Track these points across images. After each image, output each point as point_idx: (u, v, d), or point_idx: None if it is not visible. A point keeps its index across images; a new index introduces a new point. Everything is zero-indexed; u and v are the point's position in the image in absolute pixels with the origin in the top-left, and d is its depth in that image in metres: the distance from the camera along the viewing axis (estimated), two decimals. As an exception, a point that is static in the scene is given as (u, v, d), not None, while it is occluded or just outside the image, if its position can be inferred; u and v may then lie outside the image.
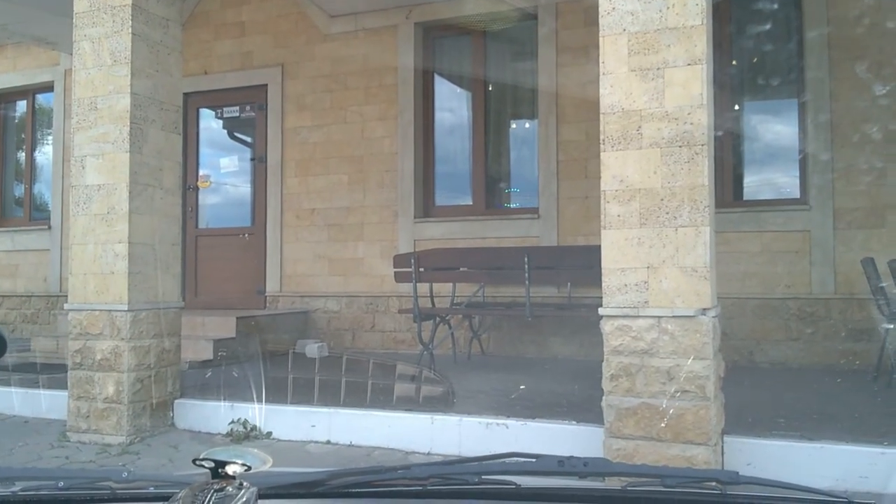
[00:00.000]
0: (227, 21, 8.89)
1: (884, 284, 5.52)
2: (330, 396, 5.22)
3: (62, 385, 5.45)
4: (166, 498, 1.17)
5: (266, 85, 8.69)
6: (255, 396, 5.18)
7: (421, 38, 8.13)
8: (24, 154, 10.60)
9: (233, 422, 5.17)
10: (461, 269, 7.03)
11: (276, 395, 5.31)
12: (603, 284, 3.95)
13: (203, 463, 1.23)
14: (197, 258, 8.99)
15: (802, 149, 6.79)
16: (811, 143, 6.63)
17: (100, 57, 5.24)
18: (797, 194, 6.83)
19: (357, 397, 5.17)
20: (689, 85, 3.79)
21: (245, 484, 1.17)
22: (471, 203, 8.03)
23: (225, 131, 9.32)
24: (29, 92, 10.34)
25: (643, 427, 3.80)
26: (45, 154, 10.37)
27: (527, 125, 8.13)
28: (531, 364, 6.90)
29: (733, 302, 6.37)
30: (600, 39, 3.98)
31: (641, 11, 3.88)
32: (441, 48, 8.30)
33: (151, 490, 1.29)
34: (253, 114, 8.90)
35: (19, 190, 10.71)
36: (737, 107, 7.22)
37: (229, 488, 1.15)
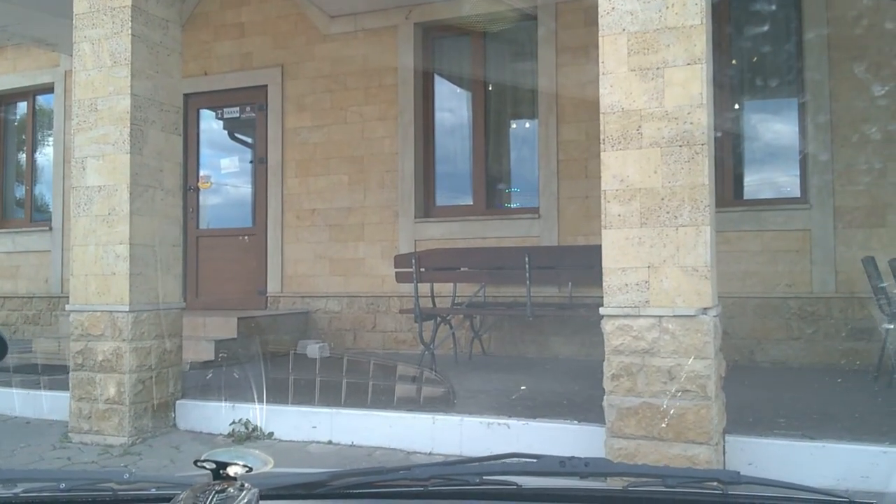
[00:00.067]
0: (227, 22, 8.89)
1: (885, 284, 5.52)
2: (331, 397, 5.22)
3: (64, 386, 5.46)
4: (168, 499, 1.17)
5: (266, 86, 8.70)
6: (256, 397, 5.18)
7: (421, 39, 8.13)
8: (24, 155, 10.60)
9: (234, 422, 5.17)
10: (462, 269, 7.03)
11: (278, 395, 5.32)
12: (604, 284, 3.95)
13: (204, 464, 1.23)
14: (198, 259, 9.00)
15: (802, 148, 6.79)
16: (811, 143, 6.64)
17: (100, 58, 5.24)
18: (797, 193, 6.83)
19: (358, 398, 5.17)
20: (688, 84, 3.79)
21: (246, 485, 1.17)
22: (471, 203, 8.03)
23: (225, 132, 9.32)
24: (29, 93, 10.35)
25: (644, 427, 3.80)
26: (46, 155, 10.37)
27: (527, 125, 8.13)
28: (532, 364, 6.90)
29: (734, 301, 6.37)
30: (600, 39, 3.98)
31: (641, 11, 3.88)
32: (441, 48, 8.30)
33: (153, 491, 1.29)
34: (253, 114, 8.90)
35: (20, 191, 10.71)
36: (737, 106, 7.22)
37: (231, 489, 1.15)
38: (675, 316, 3.77)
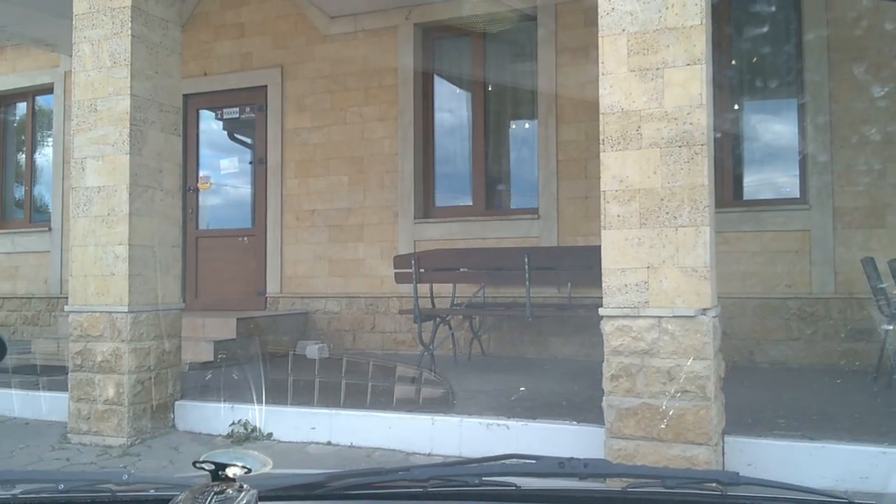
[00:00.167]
0: (227, 22, 8.89)
1: (884, 285, 5.52)
2: (330, 398, 5.22)
3: (63, 387, 5.45)
4: (167, 500, 1.17)
5: (266, 86, 8.70)
6: (255, 398, 5.18)
7: (420, 39, 8.13)
8: (24, 156, 10.60)
9: (233, 423, 5.17)
10: (461, 269, 7.03)
11: (277, 396, 5.31)
12: (603, 285, 3.95)
13: (203, 465, 1.23)
14: (197, 259, 8.99)
15: (802, 149, 6.80)
16: (810, 143, 6.64)
17: (99, 59, 5.24)
18: (797, 194, 6.83)
19: (357, 398, 5.17)
20: (688, 85, 3.79)
21: (245, 486, 1.17)
22: (471, 204, 8.03)
23: (225, 132, 9.32)
24: (29, 94, 10.34)
25: (644, 427, 3.80)
26: (45, 156, 10.37)
27: (526, 125, 8.13)
28: (531, 364, 6.90)
29: (733, 302, 6.37)
30: (599, 40, 3.98)
31: (640, 12, 3.89)
32: (441, 49, 8.30)
33: (152, 492, 1.29)
34: (253, 115, 8.90)
35: (19, 192, 10.71)
36: (736, 107, 7.23)
37: (229, 490, 1.15)
38: (674, 316, 3.77)
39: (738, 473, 1.23)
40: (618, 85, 3.93)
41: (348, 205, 8.25)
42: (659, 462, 3.72)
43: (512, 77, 8.01)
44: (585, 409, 4.62)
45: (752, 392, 5.23)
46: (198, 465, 1.24)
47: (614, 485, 1.31)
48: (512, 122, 8.21)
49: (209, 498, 1.11)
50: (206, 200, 9.19)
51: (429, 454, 4.65)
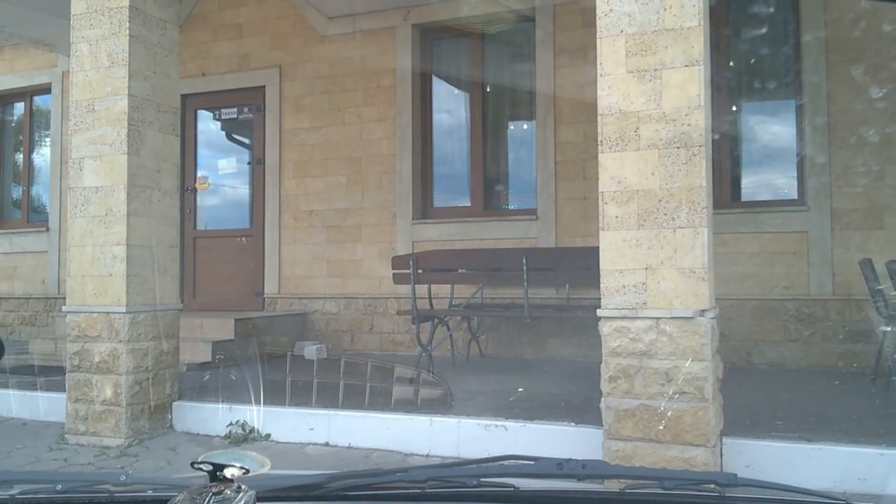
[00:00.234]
0: (225, 23, 8.89)
1: (882, 286, 5.52)
2: (328, 398, 5.22)
3: (60, 387, 5.45)
4: (164, 501, 1.17)
5: (264, 86, 8.69)
6: (253, 398, 5.18)
7: (419, 40, 8.13)
8: (21, 156, 10.59)
9: (231, 424, 5.17)
10: (459, 270, 7.03)
11: (275, 397, 5.31)
12: (601, 286, 3.95)
13: (201, 466, 1.23)
14: (195, 260, 8.99)
15: (800, 150, 6.80)
16: (808, 145, 6.64)
17: (97, 59, 5.24)
18: (795, 195, 6.84)
19: (356, 399, 5.17)
20: (686, 86, 3.79)
21: (243, 487, 1.17)
22: (469, 204, 8.03)
23: (223, 133, 9.31)
24: (27, 94, 10.33)
25: (642, 428, 3.81)
26: (43, 156, 10.36)
27: (525, 126, 8.13)
28: (529, 365, 6.90)
29: (731, 303, 6.37)
30: (598, 41, 3.99)
31: (639, 13, 3.89)
32: (439, 50, 8.31)
33: (149, 493, 1.29)
34: (251, 115, 8.90)
35: (17, 192, 10.70)
36: (734, 108, 7.23)
37: (227, 491, 1.15)
38: (672, 318, 3.77)
39: (736, 475, 1.23)
40: (616, 86, 3.93)
41: (346, 205, 8.25)
42: (657, 463, 3.72)
43: (510, 78, 8.01)
44: (583, 410, 4.62)
45: (750, 393, 5.23)
46: (196, 465, 1.24)
47: (612, 486, 1.31)
48: (510, 122, 8.21)
49: (207, 499, 1.11)
50: (204, 201, 9.19)
51: (427, 455, 4.65)
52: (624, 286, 3.88)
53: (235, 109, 8.99)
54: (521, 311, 6.18)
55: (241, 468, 1.23)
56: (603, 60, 3.97)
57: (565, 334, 7.16)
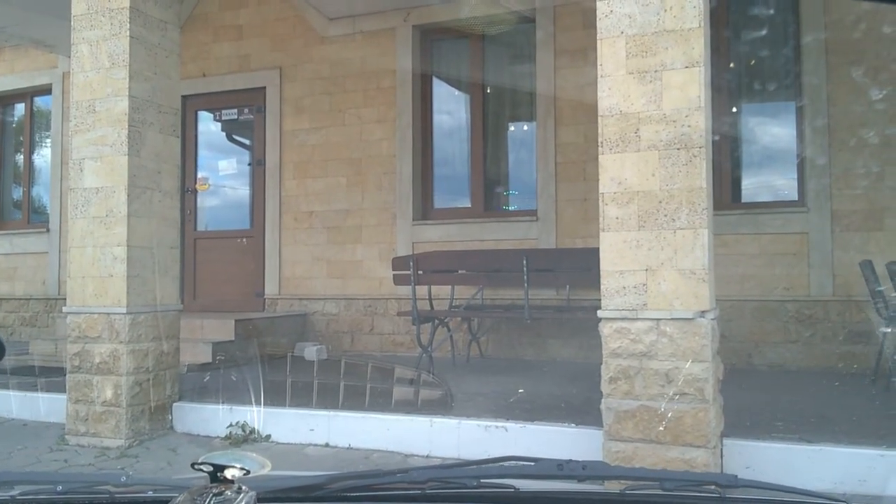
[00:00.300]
0: (226, 24, 8.89)
1: (882, 288, 5.52)
2: (329, 399, 5.22)
3: (61, 388, 5.45)
4: (165, 502, 1.17)
5: (264, 87, 8.70)
6: (253, 399, 5.18)
7: (419, 41, 8.14)
8: (22, 157, 10.60)
9: (231, 425, 5.17)
10: (460, 271, 7.03)
11: (275, 398, 5.31)
12: (601, 287, 3.96)
13: (202, 467, 1.23)
14: (195, 261, 8.99)
15: (800, 152, 6.80)
16: (809, 146, 6.65)
17: (98, 60, 5.24)
18: (795, 196, 6.84)
19: (356, 400, 5.17)
20: (686, 87, 3.79)
21: (244, 488, 1.17)
22: (469, 205, 8.03)
23: (223, 134, 9.32)
24: (27, 94, 10.34)
25: (642, 429, 3.80)
26: (44, 157, 10.36)
27: (525, 128, 8.13)
28: (530, 366, 6.90)
29: (732, 304, 6.37)
30: (598, 42, 3.99)
31: (639, 14, 3.89)
32: (439, 51, 8.31)
33: (150, 494, 1.29)
34: (251, 116, 8.90)
35: (18, 193, 10.70)
36: (734, 110, 7.23)
37: (228, 492, 1.15)
38: (672, 319, 3.78)
39: (736, 476, 1.23)
40: (616, 87, 3.93)
41: (346, 206, 8.25)
42: (657, 464, 3.72)
43: (510, 79, 8.01)
44: (584, 411, 4.62)
45: (750, 394, 5.23)
46: (196, 466, 1.24)
47: (613, 487, 1.31)
48: (510, 124, 8.21)
49: (208, 500, 1.11)
50: (205, 202, 9.19)
51: (427, 456, 4.65)
52: (624, 287, 3.88)
53: (236, 110, 9.00)
54: (521, 312, 6.19)
55: (242, 469, 1.23)
56: (603, 62, 3.97)
57: (565, 335, 7.16)
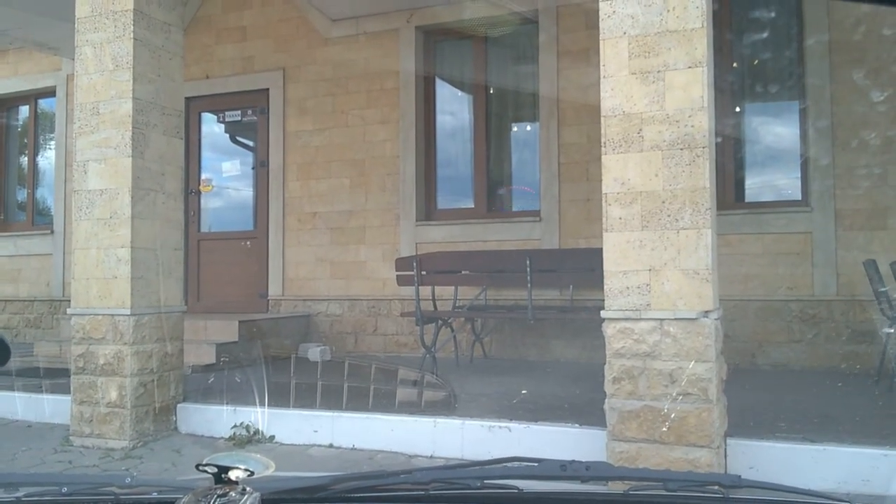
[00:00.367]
0: (229, 25, 8.91)
1: (885, 288, 5.51)
2: (332, 400, 5.22)
3: (65, 390, 5.46)
4: (170, 503, 1.17)
5: (268, 89, 8.71)
6: (257, 400, 5.18)
7: (422, 43, 8.14)
8: (26, 159, 10.62)
9: (235, 426, 5.17)
10: (463, 272, 7.03)
11: (279, 399, 5.32)
12: (605, 287, 3.95)
13: (206, 468, 1.23)
14: (199, 262, 9.00)
15: (803, 151, 6.80)
16: (812, 146, 6.64)
17: (102, 62, 5.25)
18: (798, 196, 6.83)
19: (360, 401, 5.17)
20: (689, 88, 3.79)
21: (248, 489, 1.18)
22: (472, 206, 8.04)
23: (227, 135, 9.33)
24: (31, 97, 10.36)
25: (646, 430, 3.80)
26: (48, 159, 10.39)
27: (528, 128, 8.13)
28: (533, 367, 6.90)
29: (735, 304, 6.37)
30: (601, 43, 3.99)
31: (642, 15, 3.89)
32: (442, 52, 8.31)
33: (154, 495, 1.30)
34: (255, 118, 8.91)
35: (22, 195, 10.73)
36: (738, 110, 7.23)
37: (232, 493, 1.15)
38: (676, 319, 3.77)
39: (740, 476, 1.23)
40: (619, 88, 3.93)
41: (350, 207, 8.26)
42: (661, 464, 3.72)
43: (513, 80, 8.02)
44: (587, 411, 4.62)
45: (753, 394, 5.23)
46: (200, 467, 1.24)
47: (616, 488, 1.31)
48: (513, 124, 8.22)
49: (212, 501, 1.11)
50: (208, 203, 9.20)
51: (431, 457, 4.65)
52: (628, 287, 3.88)
53: (239, 112, 9.01)
54: (524, 312, 6.18)
55: (246, 470, 1.23)
56: (606, 62, 3.97)
57: (569, 336, 7.16)
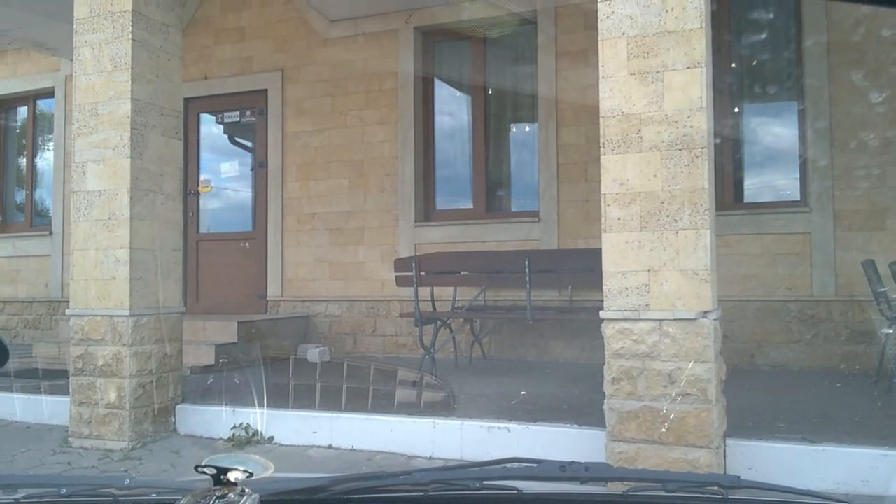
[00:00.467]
0: (227, 26, 8.91)
1: (884, 288, 5.51)
2: (332, 401, 5.22)
3: (64, 391, 5.46)
4: (169, 505, 1.17)
5: (266, 90, 8.71)
6: (256, 401, 5.18)
7: (421, 43, 8.14)
8: (25, 160, 10.61)
9: (234, 427, 5.17)
10: (462, 272, 7.04)
11: (278, 400, 5.31)
12: (604, 288, 3.95)
13: (205, 469, 1.23)
14: (198, 263, 9.00)
15: (802, 152, 6.80)
16: (811, 147, 6.64)
17: (100, 63, 5.25)
18: (797, 197, 6.84)
19: (359, 402, 5.17)
20: (688, 88, 3.79)
21: (247, 490, 1.17)
22: (471, 207, 8.04)
23: (225, 136, 9.33)
24: (30, 98, 10.36)
25: (645, 430, 3.80)
26: (46, 160, 10.38)
27: (527, 129, 8.13)
28: (532, 367, 6.90)
29: (734, 304, 6.37)
30: (599, 43, 3.99)
31: (640, 15, 3.89)
32: (441, 53, 8.31)
33: (153, 497, 1.30)
34: (253, 118, 8.91)
35: (20, 196, 10.72)
36: (736, 110, 7.23)
37: (231, 495, 1.15)
38: (675, 319, 3.77)
39: (739, 477, 1.23)
40: (618, 88, 3.93)
41: (349, 208, 8.26)
42: (660, 465, 3.72)
43: (512, 81, 8.02)
44: (587, 412, 4.62)
45: (753, 395, 5.23)
46: (199, 469, 1.24)
47: (616, 488, 1.31)
48: (512, 125, 8.22)
49: (211, 502, 1.11)
50: (207, 204, 9.20)
51: (430, 457, 4.65)
52: (626, 288, 3.88)
53: (238, 113, 9.01)
54: (523, 313, 6.19)
55: (245, 471, 1.23)
56: (605, 63, 3.97)
57: (568, 336, 7.16)
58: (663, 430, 3.75)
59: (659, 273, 3.82)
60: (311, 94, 8.47)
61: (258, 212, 8.83)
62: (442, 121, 8.30)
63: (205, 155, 9.26)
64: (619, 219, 3.91)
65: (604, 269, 3.96)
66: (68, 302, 5.41)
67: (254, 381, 5.50)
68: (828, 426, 4.35)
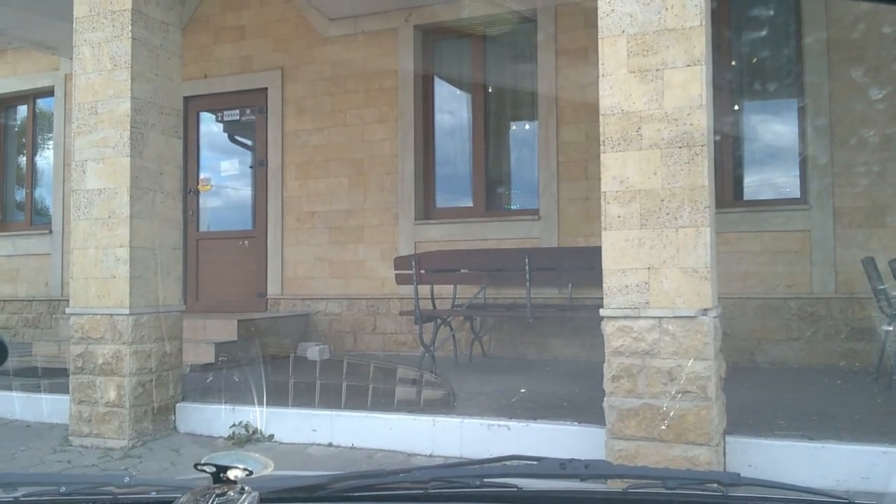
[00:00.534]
0: (227, 25, 8.90)
1: (884, 286, 5.51)
2: (331, 399, 5.22)
3: (64, 389, 5.46)
4: (168, 503, 1.17)
5: (266, 88, 8.70)
6: (256, 399, 5.18)
7: (420, 42, 8.14)
8: (24, 159, 10.61)
9: (234, 425, 5.17)
10: (462, 270, 7.03)
11: (278, 398, 5.32)
12: (604, 285, 3.96)
13: (205, 467, 1.23)
14: (198, 261, 9.00)
15: (802, 150, 6.80)
16: (810, 144, 6.64)
17: (100, 61, 5.25)
18: (797, 194, 6.83)
19: (359, 400, 5.17)
20: (688, 86, 3.79)
21: (247, 488, 1.17)
22: (471, 205, 8.03)
23: (225, 135, 9.33)
24: (29, 97, 10.35)
25: (645, 428, 3.80)
26: (46, 158, 10.38)
27: (527, 127, 8.13)
28: (532, 365, 6.90)
29: (734, 302, 6.37)
30: (599, 41, 3.99)
31: (640, 13, 3.89)
32: (441, 51, 8.31)
33: (153, 495, 1.30)
34: (253, 117, 8.91)
35: (20, 194, 10.72)
36: (736, 108, 7.23)
37: (231, 493, 1.15)
38: (675, 317, 3.77)
39: (739, 474, 1.23)
40: (618, 86, 3.93)
41: (349, 206, 8.26)
42: (660, 463, 3.72)
43: (512, 79, 8.01)
44: (586, 409, 4.62)
45: (752, 392, 5.23)
46: (199, 467, 1.24)
47: (615, 486, 1.31)
48: (512, 123, 8.21)
49: (211, 500, 1.11)
50: (207, 202, 9.20)
51: (430, 455, 4.65)
52: (626, 286, 3.88)
53: (238, 111, 9.00)
54: (523, 311, 6.18)
55: (245, 469, 1.23)
56: (605, 61, 3.97)
57: (568, 334, 7.16)
58: (663, 427, 3.75)
59: (659, 271, 3.82)
60: (311, 92, 8.47)
61: (258, 210, 8.83)
62: (442, 119, 8.30)
63: (205, 153, 9.26)
64: (619, 216, 3.91)
65: (604, 266, 3.96)
66: (68, 300, 5.41)
67: (254, 380, 5.50)
68: (828, 423, 4.35)
